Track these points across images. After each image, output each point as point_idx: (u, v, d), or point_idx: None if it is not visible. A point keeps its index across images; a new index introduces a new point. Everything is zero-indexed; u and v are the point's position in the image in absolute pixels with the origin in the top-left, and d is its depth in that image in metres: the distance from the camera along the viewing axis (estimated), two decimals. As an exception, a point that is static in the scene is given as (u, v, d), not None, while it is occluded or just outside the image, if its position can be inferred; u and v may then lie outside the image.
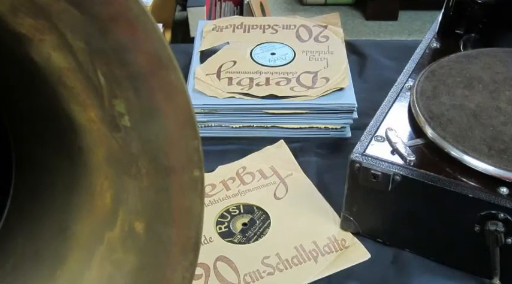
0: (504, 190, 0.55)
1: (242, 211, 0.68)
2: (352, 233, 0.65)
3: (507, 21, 0.76)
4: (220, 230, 0.66)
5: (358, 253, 0.63)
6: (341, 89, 0.77)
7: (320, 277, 0.61)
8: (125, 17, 0.35)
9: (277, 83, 0.77)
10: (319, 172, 0.73)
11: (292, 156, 0.75)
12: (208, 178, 0.72)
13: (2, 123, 0.49)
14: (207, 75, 0.79)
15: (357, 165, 0.59)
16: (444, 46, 0.76)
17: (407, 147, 0.60)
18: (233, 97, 0.76)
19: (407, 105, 0.66)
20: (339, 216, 0.65)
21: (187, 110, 0.38)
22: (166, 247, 0.42)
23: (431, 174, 0.57)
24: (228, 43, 0.86)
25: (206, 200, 0.69)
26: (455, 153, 0.58)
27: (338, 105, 0.76)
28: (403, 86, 0.69)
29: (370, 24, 2.36)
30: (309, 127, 0.77)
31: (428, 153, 0.60)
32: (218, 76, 0.79)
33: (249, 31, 0.89)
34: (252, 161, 0.75)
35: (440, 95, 0.63)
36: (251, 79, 0.78)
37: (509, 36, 0.76)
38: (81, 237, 0.47)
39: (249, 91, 0.76)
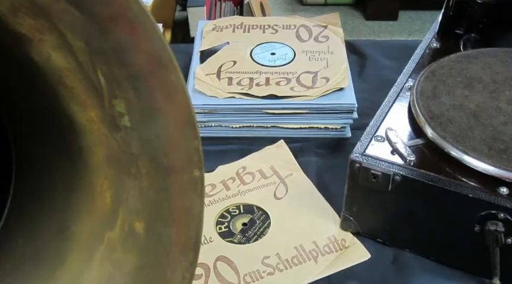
0: (504, 190, 0.55)
1: (242, 211, 0.68)
2: (352, 233, 0.65)
3: (507, 21, 0.76)
4: (220, 230, 0.66)
5: (358, 253, 0.63)
6: (341, 89, 0.77)
7: (320, 277, 0.61)
8: (125, 17, 0.35)
9: (277, 83, 0.77)
10: (319, 172, 0.73)
11: (292, 156, 0.75)
12: (208, 178, 0.72)
13: (2, 123, 0.49)
14: (207, 75, 0.79)
15: (357, 165, 0.59)
16: (444, 46, 0.76)
17: (407, 147, 0.60)
18: (233, 97, 0.76)
19: (407, 105, 0.66)
20: (339, 216, 0.65)
21: (187, 110, 0.38)
22: (166, 247, 0.42)
23: (431, 174, 0.57)
24: (228, 43, 0.86)
25: (206, 200, 0.69)
26: (455, 153, 0.58)
27: (338, 105, 0.76)
28: (403, 86, 0.69)
29: (370, 24, 2.36)
30: (309, 127, 0.77)
31: (428, 153, 0.60)
32: (218, 76, 0.79)
33: (249, 31, 0.89)
34: (252, 161, 0.75)
35: (440, 95, 0.63)
36: (251, 79, 0.78)
37: (509, 36, 0.76)
38: (81, 237, 0.47)
39: (249, 91, 0.76)
